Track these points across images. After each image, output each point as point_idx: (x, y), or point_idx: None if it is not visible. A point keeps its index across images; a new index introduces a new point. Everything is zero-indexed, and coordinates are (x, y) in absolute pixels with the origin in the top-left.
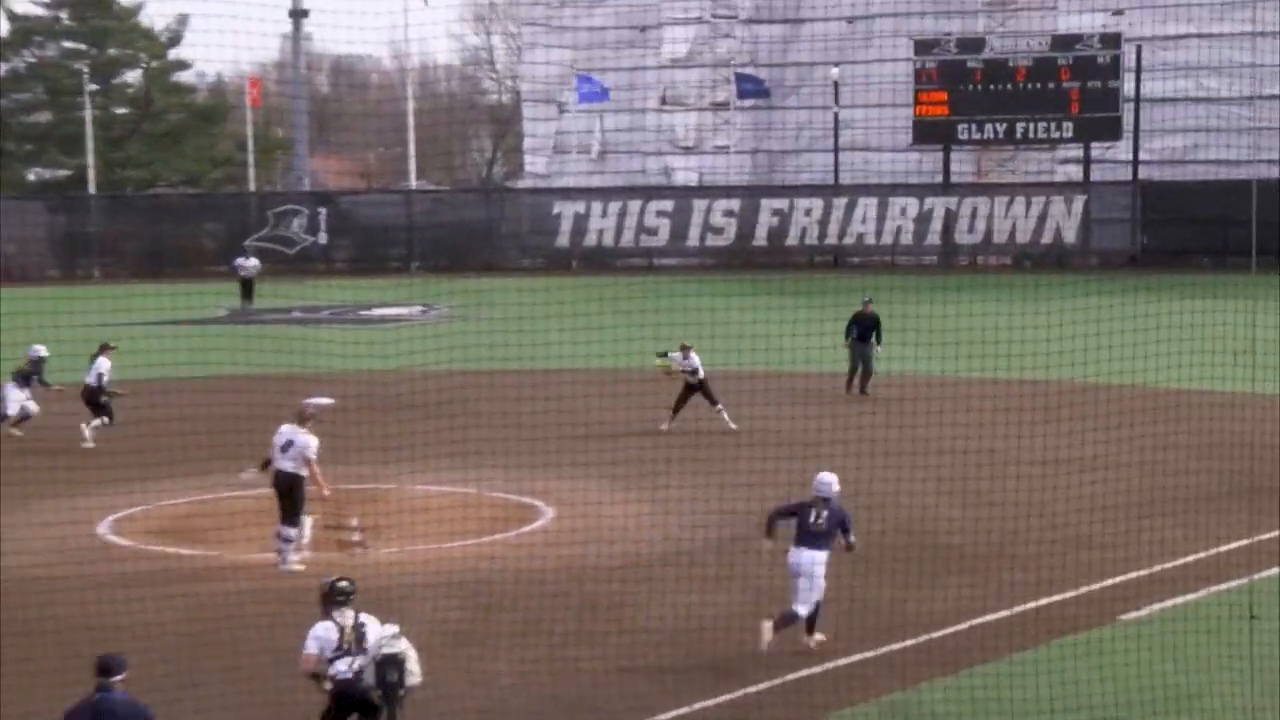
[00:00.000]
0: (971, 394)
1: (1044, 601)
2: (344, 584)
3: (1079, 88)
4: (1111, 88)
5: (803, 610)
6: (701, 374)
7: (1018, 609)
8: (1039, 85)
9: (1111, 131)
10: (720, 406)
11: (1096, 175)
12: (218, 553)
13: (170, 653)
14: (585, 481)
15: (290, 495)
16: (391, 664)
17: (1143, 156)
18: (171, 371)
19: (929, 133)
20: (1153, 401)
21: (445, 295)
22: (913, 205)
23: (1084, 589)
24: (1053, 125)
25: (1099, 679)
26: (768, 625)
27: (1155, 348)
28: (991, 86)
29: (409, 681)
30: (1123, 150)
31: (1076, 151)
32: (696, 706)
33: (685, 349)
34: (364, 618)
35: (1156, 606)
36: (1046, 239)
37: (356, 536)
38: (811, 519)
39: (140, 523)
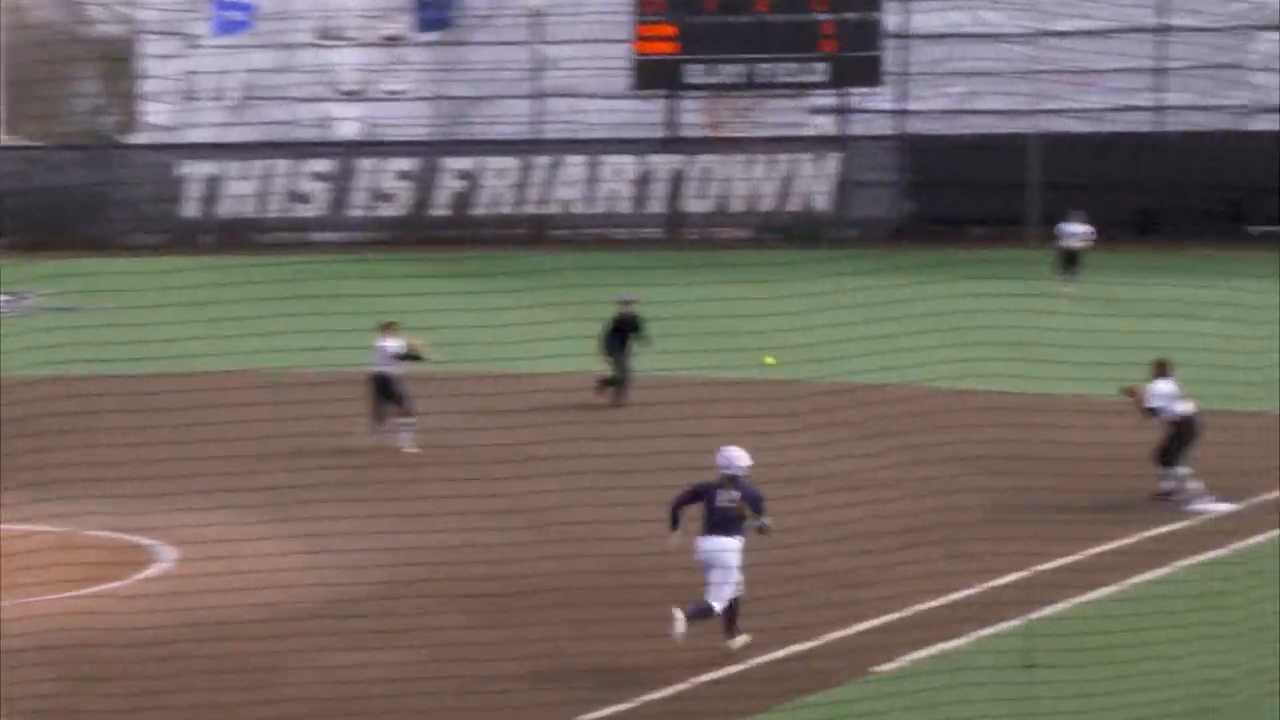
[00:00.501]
0: (703, 398)
1: (783, 653)
2: None
3: (834, 21)
4: (871, 21)
5: (716, 605)
6: (403, 368)
7: (752, 662)
8: (785, 17)
9: (872, 75)
10: (412, 421)
11: (856, 129)
12: None
13: None
14: (215, 515)
15: None
16: None
17: (909, 106)
18: None
19: (652, 75)
20: (916, 405)
21: (39, 280)
22: (631, 165)
23: (831, 636)
24: (802, 67)
25: None
26: (679, 615)
27: (920, 340)
28: (729, 19)
29: None
30: (886, 98)
31: (831, 100)
32: None
33: (387, 328)
34: None
35: (917, 655)
36: (794, 206)
37: None
38: (719, 502)
39: None
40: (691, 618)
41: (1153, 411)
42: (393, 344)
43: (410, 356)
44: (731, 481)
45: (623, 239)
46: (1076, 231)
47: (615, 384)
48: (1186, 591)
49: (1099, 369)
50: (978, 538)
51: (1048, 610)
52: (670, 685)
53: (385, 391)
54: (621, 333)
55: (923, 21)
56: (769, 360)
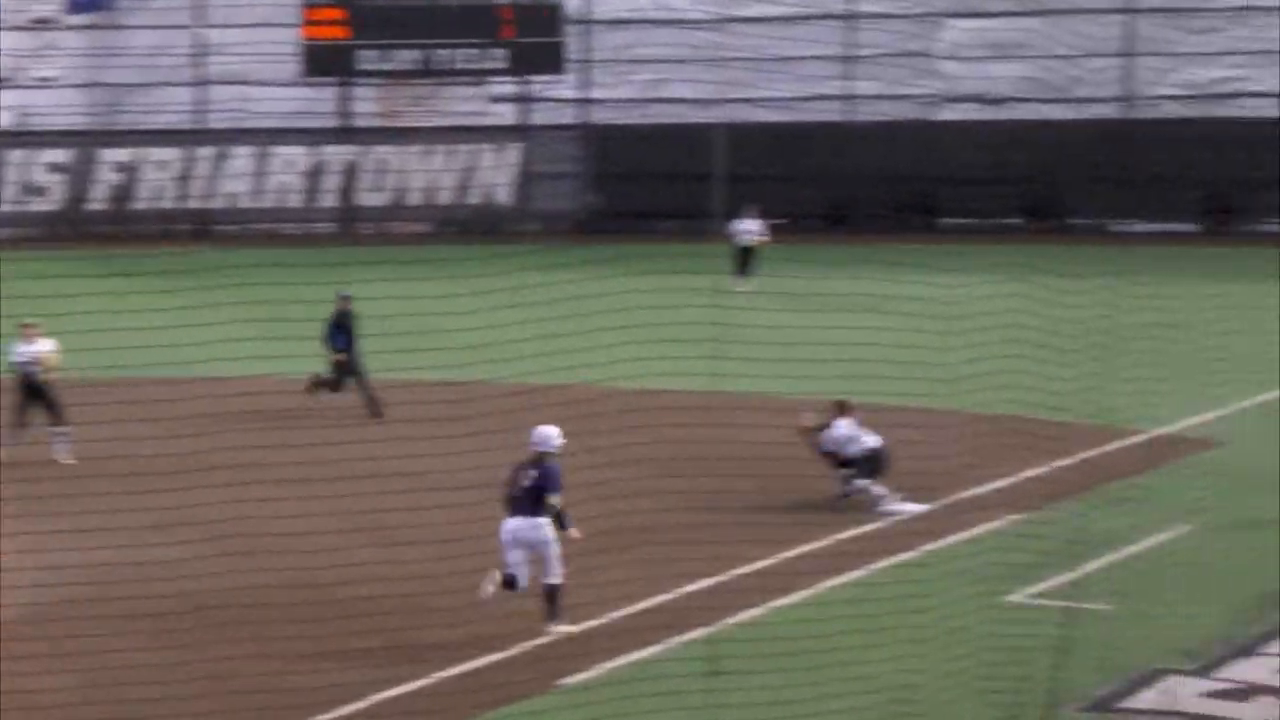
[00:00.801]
0: (382, 401)
1: (469, 666)
2: None
3: (513, 5)
4: (553, 5)
5: (521, 580)
6: (50, 373)
7: (436, 676)
8: (462, 1)
9: (554, 62)
10: (65, 430)
11: (538, 118)
12: None
13: None
14: None
15: None
16: None
17: (593, 94)
18: None
19: (322, 61)
20: (601, 406)
21: None
22: (302, 156)
23: (518, 648)
24: (481, 53)
25: None
26: (495, 574)
27: (605, 338)
28: (402, 2)
29: None
30: (569, 87)
31: (512, 88)
32: None
33: (29, 329)
34: None
35: (605, 666)
36: (475, 199)
37: None
38: (521, 480)
39: None
40: (505, 585)
41: (826, 454)
42: (33, 348)
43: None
44: (539, 460)
45: (294, 234)
46: (750, 228)
47: (331, 385)
48: (879, 595)
49: (786, 366)
50: (667, 542)
51: (739, 616)
52: (349, 704)
53: (33, 398)
54: (346, 330)
55: (606, 7)
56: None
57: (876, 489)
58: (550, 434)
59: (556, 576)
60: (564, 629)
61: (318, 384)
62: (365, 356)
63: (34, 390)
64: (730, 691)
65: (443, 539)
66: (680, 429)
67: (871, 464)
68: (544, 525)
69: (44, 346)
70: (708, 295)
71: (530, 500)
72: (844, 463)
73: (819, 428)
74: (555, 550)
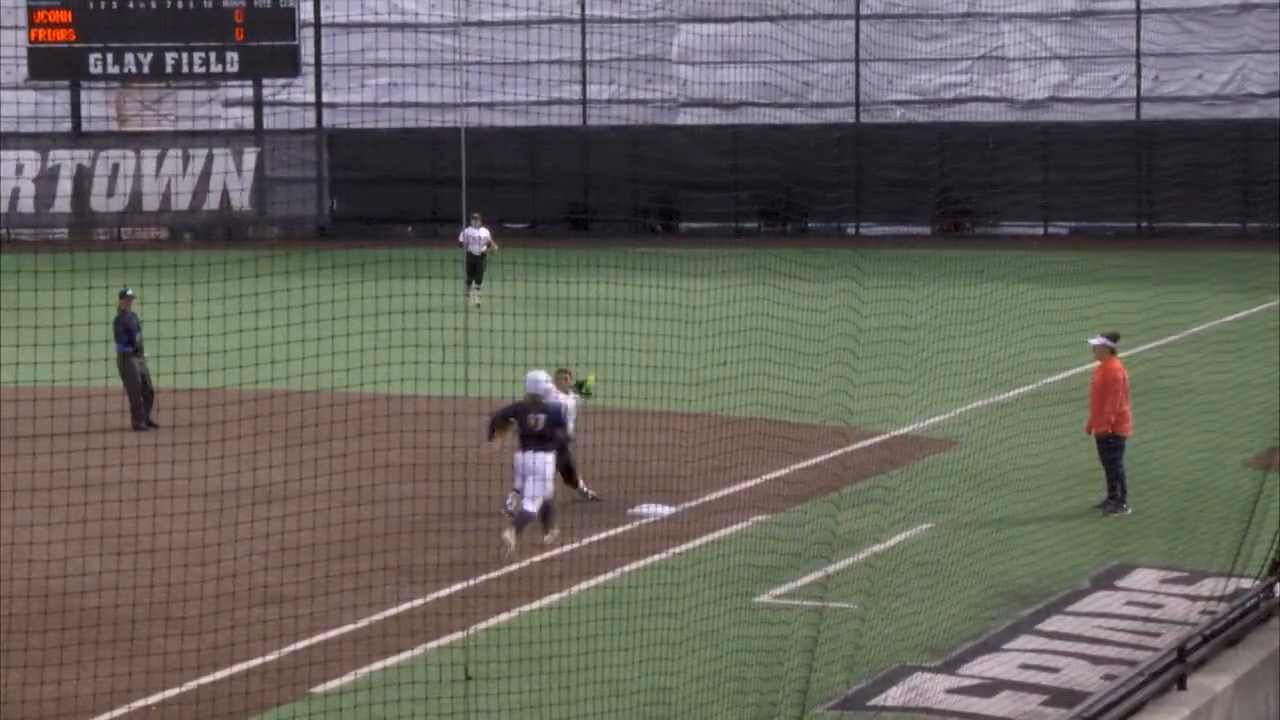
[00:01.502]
0: (105, 409)
1: (218, 676)
2: None
3: (244, 7)
4: (285, 9)
5: (532, 507)
6: None
7: (185, 687)
8: (193, 4)
9: (288, 65)
10: None
11: (272, 122)
12: None
13: None
14: None
15: None
16: None
17: (330, 98)
18: None
19: (51, 65)
20: (344, 411)
21: None
22: (33, 161)
23: (268, 656)
24: (213, 56)
25: None
26: (509, 534)
27: (347, 343)
28: (132, 4)
29: None
30: (306, 90)
31: (247, 91)
32: None
33: None
34: None
35: (359, 672)
36: (212, 204)
37: None
38: (528, 421)
39: None
40: (518, 527)
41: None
42: None
43: None
44: (537, 401)
45: (28, 240)
46: (477, 235)
47: (139, 394)
48: (630, 598)
49: (525, 370)
50: (416, 547)
51: (489, 621)
52: (94, 715)
53: None
54: (130, 333)
55: (340, 11)
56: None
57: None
58: (540, 377)
59: (548, 495)
60: (553, 535)
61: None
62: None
63: None
64: (484, 696)
65: (181, 547)
66: (426, 434)
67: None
68: (549, 458)
69: None
70: (448, 300)
71: (540, 437)
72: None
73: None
74: (550, 473)
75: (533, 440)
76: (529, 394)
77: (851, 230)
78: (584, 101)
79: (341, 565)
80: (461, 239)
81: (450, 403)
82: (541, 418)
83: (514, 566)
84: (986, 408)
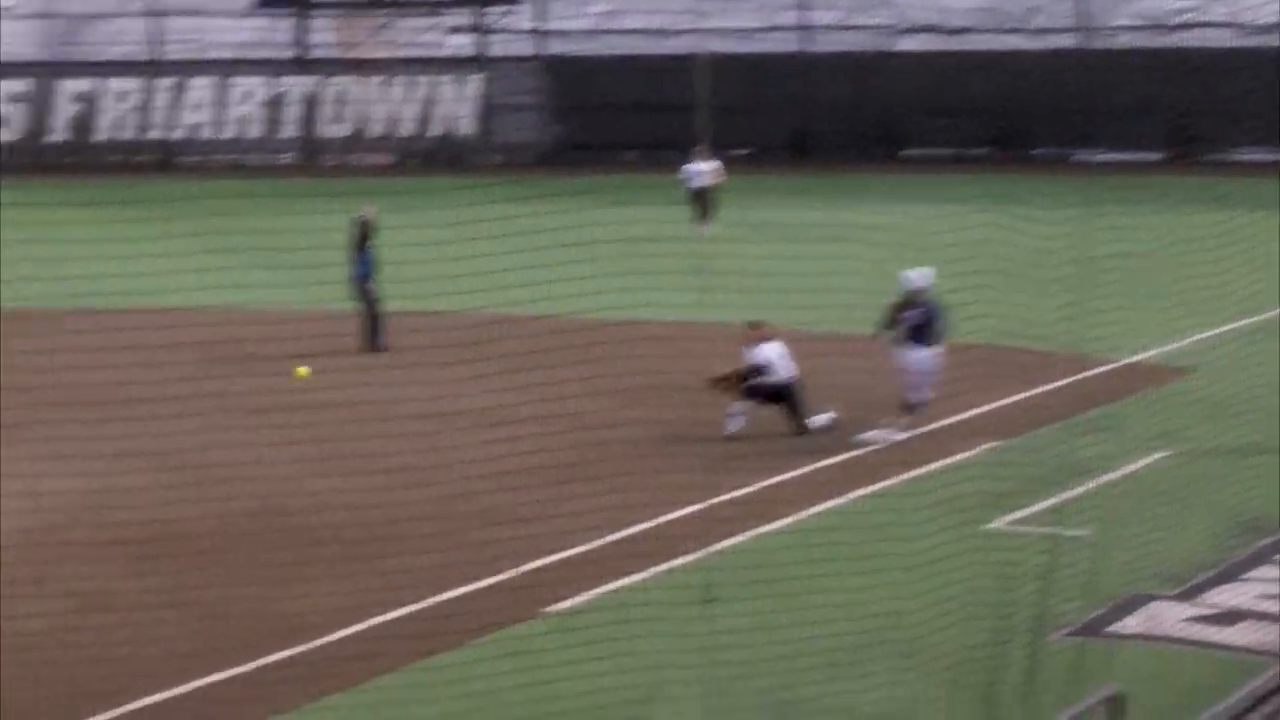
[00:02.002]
0: (339, 331)
1: (448, 595)
2: None
3: None
4: None
5: (914, 397)
6: None
7: (417, 605)
8: None
9: None
10: None
11: (495, 50)
12: None
13: None
14: None
15: None
16: None
17: (552, 25)
18: None
19: None
20: (569, 337)
21: None
22: (261, 87)
23: (497, 577)
24: None
25: (521, 685)
26: (897, 425)
27: (570, 269)
28: None
29: None
30: (526, 17)
31: (469, 19)
32: None
33: None
34: None
35: (590, 594)
36: (436, 130)
37: None
38: (908, 318)
39: None
40: (909, 413)
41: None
42: None
43: None
44: (915, 298)
45: (256, 165)
46: (702, 169)
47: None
48: (860, 523)
49: (753, 296)
50: (646, 471)
51: (723, 544)
52: (330, 633)
53: None
54: (363, 257)
55: None
56: (301, 371)
57: (822, 417)
58: (914, 276)
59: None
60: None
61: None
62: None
63: None
64: (716, 619)
65: (410, 468)
66: (655, 359)
67: (780, 396)
68: (928, 353)
69: None
70: (675, 226)
71: (918, 332)
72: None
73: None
74: (928, 368)
75: (910, 336)
76: (904, 291)
77: (1079, 157)
78: (803, 28)
79: (571, 488)
80: (682, 174)
81: (677, 327)
82: (918, 311)
83: (743, 491)
84: (1222, 336)
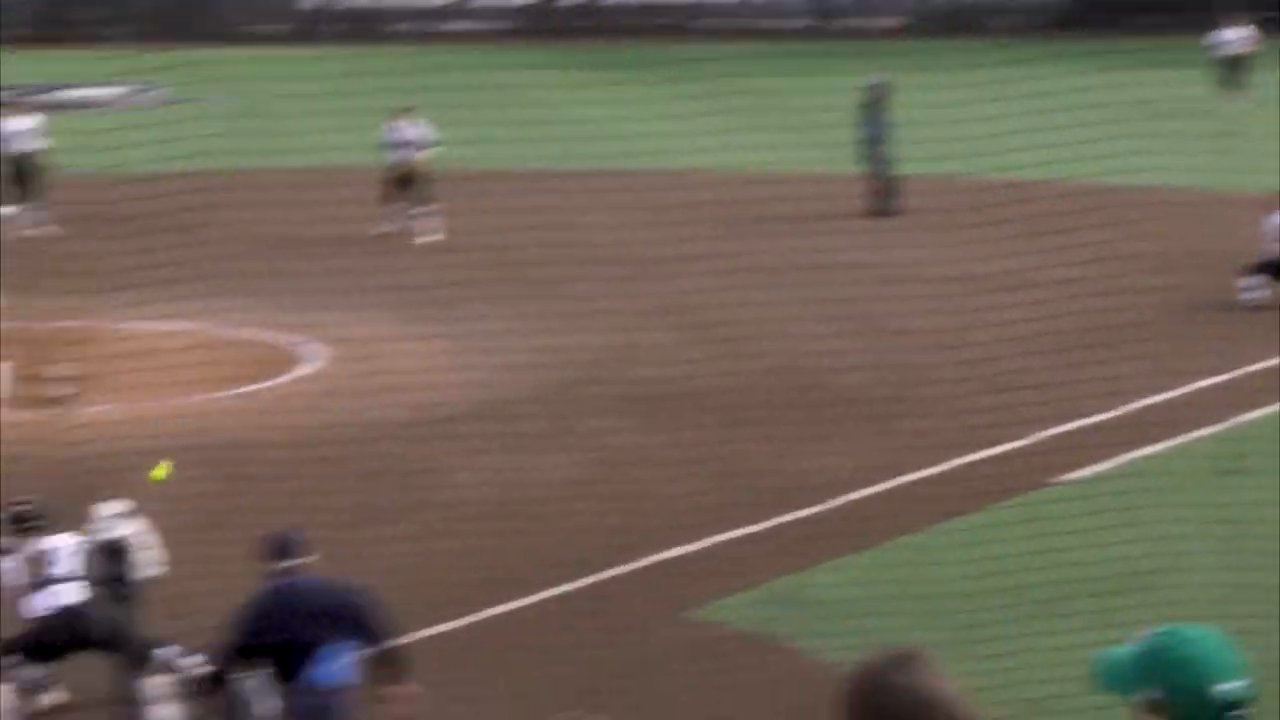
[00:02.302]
0: (847, 193)
1: (963, 460)
2: (27, 508)
3: None
4: None
5: None
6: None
7: (930, 469)
8: None
9: None
10: (426, 212)
11: None
12: None
13: None
14: (363, 314)
15: None
16: (118, 551)
17: None
18: None
19: None
20: (1087, 201)
21: (161, 71)
22: None
23: (1013, 443)
24: None
25: (1033, 552)
26: None
27: (1088, 132)
28: None
29: (142, 573)
30: None
31: None
32: (525, 601)
33: (403, 117)
34: (53, 542)
35: (1107, 463)
36: None
37: (65, 389)
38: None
39: None
40: None
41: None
42: (412, 130)
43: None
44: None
45: (767, 29)
46: (1233, 37)
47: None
48: None
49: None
50: (1167, 339)
51: (1248, 415)
52: (846, 494)
53: (407, 182)
54: (878, 124)
55: None
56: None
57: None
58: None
59: None
60: None
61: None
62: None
63: (409, 175)
64: (1242, 490)
65: (925, 330)
66: (1171, 225)
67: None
68: None
69: (418, 129)
70: (1195, 91)
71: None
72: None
73: None
74: None
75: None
76: None
77: None
78: None
79: (1086, 354)
80: (1210, 41)
81: (1194, 194)
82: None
83: (1274, 360)
84: None
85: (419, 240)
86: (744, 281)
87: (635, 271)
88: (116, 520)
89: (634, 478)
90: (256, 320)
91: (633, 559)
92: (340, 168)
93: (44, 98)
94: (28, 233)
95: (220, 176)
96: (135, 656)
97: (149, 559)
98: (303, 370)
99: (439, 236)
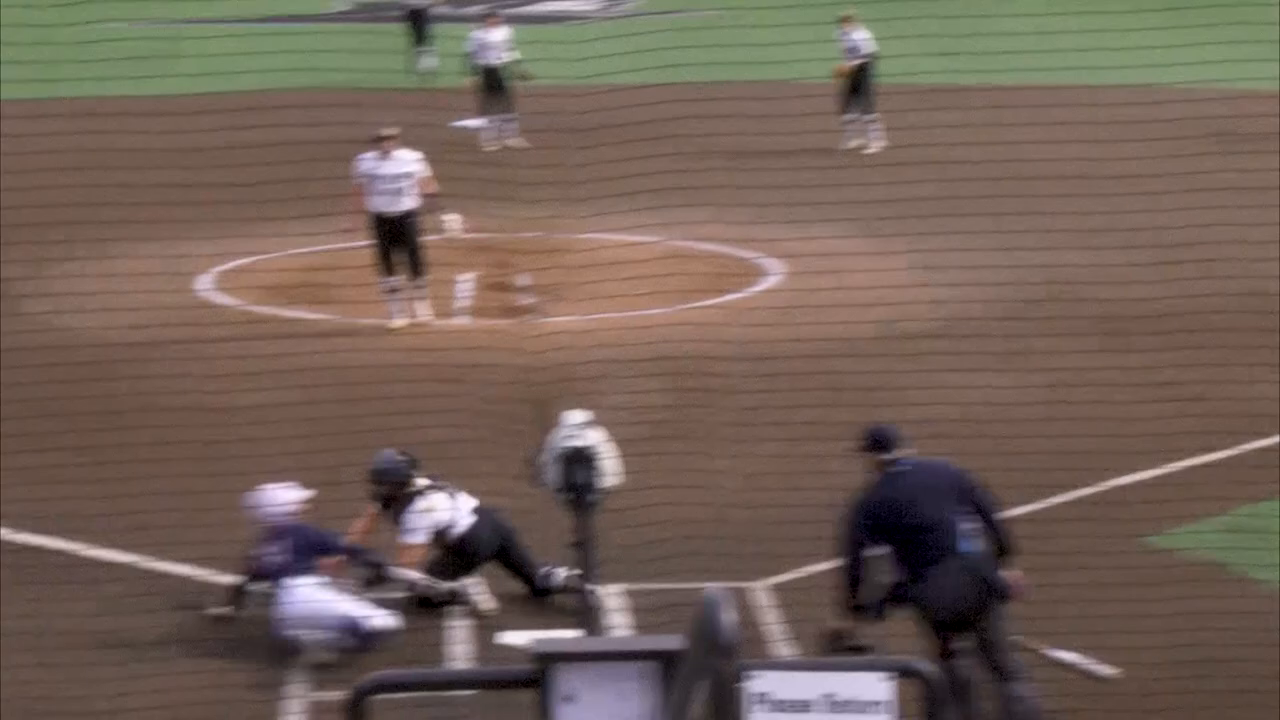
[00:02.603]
0: None
1: None
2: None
3: None
4: None
5: None
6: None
7: None
8: None
9: None
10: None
11: None
12: (344, 316)
13: (293, 440)
14: (825, 228)
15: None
16: (579, 460)
17: None
18: (273, 81)
19: None
20: None
21: None
22: None
23: None
24: None
25: None
26: None
27: None
28: None
29: (602, 483)
30: None
31: None
32: None
33: (847, 21)
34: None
35: None
36: None
37: (528, 299)
38: None
39: (249, 277)
40: None
41: None
42: (859, 35)
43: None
44: None
45: None
46: None
47: None
48: None
49: None
50: None
51: None
52: None
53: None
54: None
55: None
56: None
57: None
58: None
59: None
60: None
61: None
62: None
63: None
64: None
65: None
66: None
67: None
68: None
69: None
70: None
71: None
72: None
73: None
74: None
75: None
76: None
77: None
78: None
79: None
80: None
81: None
82: None
83: None
84: None
85: (867, 150)
86: (1207, 203)
87: (1092, 190)
88: (582, 429)
89: (1089, 400)
90: (718, 234)
91: (1085, 483)
92: (807, 84)
93: (517, 10)
94: (496, 144)
95: (687, 89)
96: (526, 573)
97: (609, 468)
98: (762, 284)
99: (881, 145)
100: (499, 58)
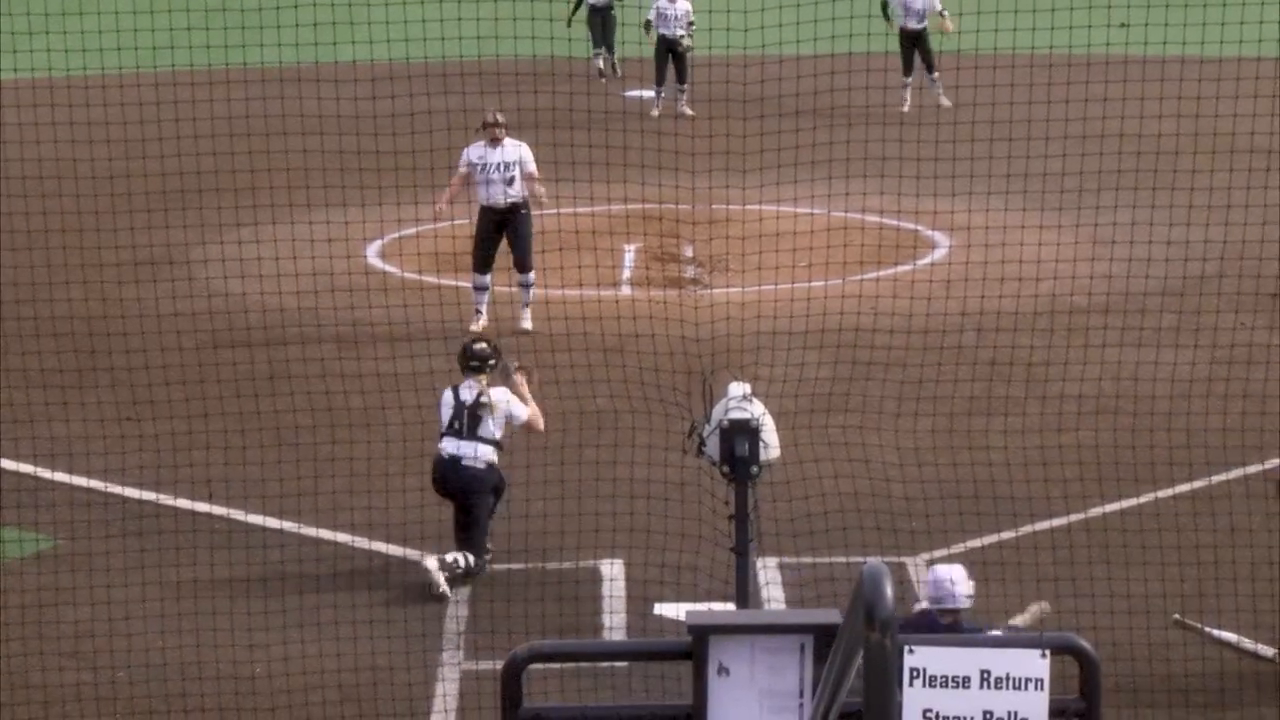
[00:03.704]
0: None
1: None
2: (480, 347)
3: None
4: None
5: None
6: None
7: None
8: None
9: None
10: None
11: None
12: (507, 286)
13: None
14: (990, 202)
15: (513, 230)
16: (741, 432)
17: None
18: (456, 50)
19: None
20: None
21: None
22: None
23: None
24: None
25: None
26: None
27: None
28: None
29: (763, 455)
30: None
31: None
32: (1140, 500)
33: None
34: (496, 394)
35: None
36: None
37: (691, 270)
38: None
39: (417, 244)
40: None
41: None
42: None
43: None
44: None
45: None
46: None
47: None
48: None
49: None
50: None
51: None
52: None
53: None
54: None
55: None
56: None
57: None
58: None
59: None
60: None
61: None
62: None
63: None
64: None
65: None
66: None
67: None
68: None
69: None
70: None
71: None
72: None
73: None
74: None
75: None
76: None
77: None
78: None
79: None
80: None
81: None
82: None
83: None
84: None
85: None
86: None
87: (1272, 164)
88: (744, 401)
89: (1258, 378)
90: (885, 205)
91: (1252, 460)
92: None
93: None
94: (669, 113)
95: (856, 59)
96: (479, 529)
97: (770, 441)
98: (928, 257)
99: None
100: (679, 30)
